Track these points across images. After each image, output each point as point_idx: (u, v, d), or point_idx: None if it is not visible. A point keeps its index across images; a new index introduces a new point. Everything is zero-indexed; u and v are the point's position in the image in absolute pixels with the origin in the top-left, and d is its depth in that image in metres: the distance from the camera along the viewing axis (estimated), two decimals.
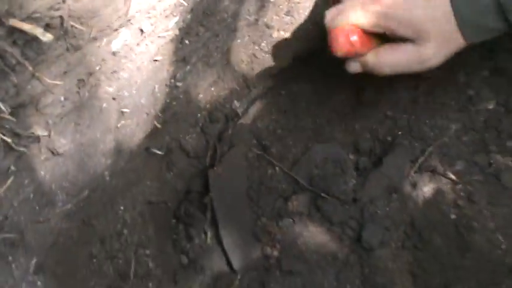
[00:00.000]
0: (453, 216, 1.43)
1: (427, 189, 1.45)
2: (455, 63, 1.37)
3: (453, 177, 1.44)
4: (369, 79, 1.47)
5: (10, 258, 1.06)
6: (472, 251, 1.41)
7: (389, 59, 1.24)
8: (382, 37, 1.26)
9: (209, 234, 1.45)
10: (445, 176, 1.45)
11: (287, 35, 1.37)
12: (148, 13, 1.04)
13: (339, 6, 1.26)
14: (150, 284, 1.38)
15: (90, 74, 1.03)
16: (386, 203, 1.45)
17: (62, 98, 1.01)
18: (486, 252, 1.41)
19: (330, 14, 1.26)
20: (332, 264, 1.44)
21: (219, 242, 1.44)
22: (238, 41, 1.30)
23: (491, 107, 1.43)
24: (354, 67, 1.28)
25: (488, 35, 1.20)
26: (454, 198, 1.44)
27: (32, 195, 1.07)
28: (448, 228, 1.43)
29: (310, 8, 1.37)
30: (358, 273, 1.44)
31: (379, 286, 1.42)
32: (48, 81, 0.95)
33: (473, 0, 1.14)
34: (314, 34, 1.40)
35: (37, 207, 1.09)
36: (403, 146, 1.46)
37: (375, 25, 1.23)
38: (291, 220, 1.45)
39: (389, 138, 1.49)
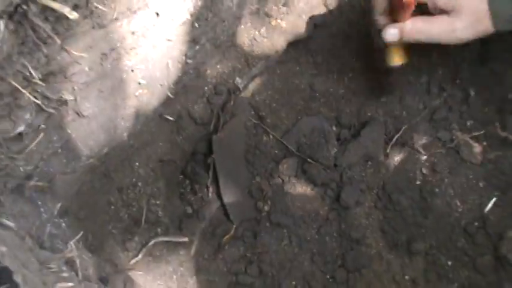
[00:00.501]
0: (418, 183, 1.44)
1: (397, 159, 1.46)
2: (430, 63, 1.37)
3: (420, 149, 1.43)
4: (355, 67, 1.47)
5: (39, 202, 1.06)
6: (433, 213, 1.41)
7: (425, 27, 1.18)
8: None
9: (211, 189, 1.44)
10: (413, 148, 1.44)
11: (283, 23, 1.35)
12: None
13: None
14: (159, 230, 1.39)
15: (112, 49, 1.03)
16: (362, 169, 1.45)
17: (87, 69, 1.01)
18: (445, 214, 1.41)
19: None
20: (314, 219, 1.44)
21: (219, 197, 1.44)
22: (242, 26, 1.29)
23: (456, 93, 1.42)
24: (392, 34, 1.21)
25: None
26: (420, 168, 1.44)
27: (59, 150, 1.07)
28: (414, 192, 1.43)
29: (304, 1, 1.35)
30: (336, 228, 1.44)
31: (354, 240, 1.42)
32: (75, 53, 0.95)
33: None
34: (305, 23, 1.38)
35: (64, 160, 1.10)
36: (379, 121, 1.46)
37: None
38: (281, 180, 1.45)
39: (368, 114, 1.47)
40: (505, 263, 1.35)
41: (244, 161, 1.45)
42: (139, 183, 1.36)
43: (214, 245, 1.43)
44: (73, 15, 0.84)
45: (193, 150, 1.45)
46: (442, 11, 1.15)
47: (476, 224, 1.39)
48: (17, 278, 0.62)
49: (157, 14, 1.03)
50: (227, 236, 1.43)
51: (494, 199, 1.39)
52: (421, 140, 1.44)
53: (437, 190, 1.41)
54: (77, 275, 0.95)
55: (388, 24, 1.22)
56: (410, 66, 1.40)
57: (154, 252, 1.35)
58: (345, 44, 1.47)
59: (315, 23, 1.43)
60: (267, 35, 1.41)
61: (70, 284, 0.74)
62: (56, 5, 0.83)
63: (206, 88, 1.39)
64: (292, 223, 1.44)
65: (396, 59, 1.28)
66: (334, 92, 1.47)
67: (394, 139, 1.44)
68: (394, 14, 1.21)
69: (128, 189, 1.35)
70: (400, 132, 1.44)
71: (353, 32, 1.46)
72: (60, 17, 0.86)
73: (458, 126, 1.43)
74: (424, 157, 1.43)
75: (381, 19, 1.24)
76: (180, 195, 1.44)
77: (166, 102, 1.29)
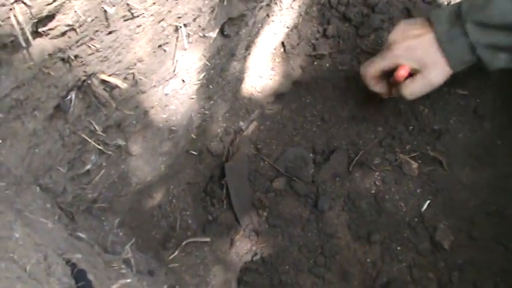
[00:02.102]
0: (373, 191, 1.43)
1: (357, 175, 1.45)
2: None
3: (373, 167, 1.43)
4: (322, 112, 1.47)
5: (103, 218, 1.06)
6: (385, 213, 1.41)
7: (409, 88, 1.13)
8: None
9: (225, 202, 1.44)
10: (368, 167, 1.44)
11: (271, 82, 1.36)
12: (187, 70, 1.04)
13: (371, 59, 1.19)
14: (189, 233, 1.38)
15: (152, 107, 1.03)
16: (333, 183, 1.45)
17: (135, 122, 1.01)
18: (393, 213, 1.41)
19: (365, 65, 1.20)
20: (299, 221, 1.44)
21: (231, 207, 1.43)
22: (242, 85, 1.29)
23: (398, 127, 1.42)
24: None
25: (464, 66, 1.09)
26: (374, 181, 1.44)
27: (116, 179, 1.07)
28: (370, 199, 1.43)
29: (286, 66, 1.35)
30: (315, 226, 1.43)
31: (328, 234, 1.42)
32: (126, 112, 0.95)
33: (453, 41, 1.06)
34: (289, 81, 1.38)
35: (119, 187, 1.10)
36: (343, 149, 1.45)
37: (393, 64, 1.14)
38: (274, 194, 1.45)
39: (335, 144, 1.47)
40: (439, 247, 1.35)
41: (248, 181, 1.44)
42: (174, 200, 1.35)
43: (228, 242, 1.42)
44: (124, 85, 0.84)
45: (211, 175, 1.45)
46: (413, 74, 1.12)
47: (416, 219, 1.39)
48: (90, 277, 0.62)
49: (183, 81, 1.04)
50: (237, 235, 1.42)
51: (428, 201, 1.39)
52: (373, 161, 1.44)
53: (387, 196, 1.41)
54: (132, 270, 0.94)
55: (386, 94, 1.23)
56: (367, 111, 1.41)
57: (186, 250, 1.34)
58: (313, 94, 1.47)
59: (293, 81, 1.43)
60: (261, 91, 1.41)
61: (128, 280, 0.73)
62: (111, 79, 0.83)
63: (219, 130, 1.39)
64: (284, 224, 1.43)
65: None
66: (310, 130, 1.46)
67: (354, 161, 1.43)
68: (386, 82, 1.21)
69: (166, 205, 1.34)
70: (358, 155, 1.43)
71: (322, 87, 1.45)
72: (114, 87, 0.87)
73: (400, 150, 1.42)
74: (377, 173, 1.43)
75: (372, 83, 1.21)
76: (203, 207, 1.43)
77: (191, 142, 1.29)
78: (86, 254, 0.77)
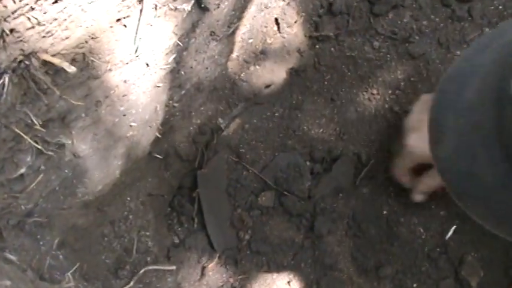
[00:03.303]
0: (385, 212, 1.46)
1: (365, 190, 1.47)
2: None
3: (386, 182, 1.46)
4: (325, 111, 1.50)
5: (39, 236, 1.07)
6: (398, 240, 1.44)
7: (429, 181, 1.30)
8: None
9: (196, 220, 1.47)
10: (380, 180, 1.46)
11: (260, 68, 1.38)
12: (153, 50, 1.06)
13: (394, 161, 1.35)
14: (148, 259, 1.39)
15: (106, 96, 1.04)
16: (334, 200, 1.47)
17: (83, 115, 1.02)
18: (410, 241, 1.43)
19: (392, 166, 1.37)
20: (290, 247, 1.46)
21: (204, 227, 1.46)
22: (223, 72, 1.31)
23: None
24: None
25: None
26: (386, 198, 1.46)
27: (57, 188, 1.08)
28: (381, 221, 1.45)
29: (280, 49, 1.38)
30: (310, 255, 1.46)
31: (327, 265, 1.44)
32: (72, 102, 0.96)
33: None
34: (282, 69, 1.40)
35: (61, 197, 1.11)
36: (348, 156, 1.48)
37: (412, 161, 1.29)
38: (260, 212, 1.47)
39: (339, 151, 1.50)
40: (465, 285, 1.38)
41: (226, 195, 1.46)
42: (130, 216, 1.37)
43: (199, 272, 1.44)
44: (72, 69, 0.86)
45: (179, 185, 1.47)
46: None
47: (438, 249, 1.42)
48: None
49: (147, 65, 1.05)
50: (211, 264, 1.44)
51: (454, 227, 1.41)
52: (386, 174, 1.46)
53: (402, 219, 1.44)
54: None
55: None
56: None
57: (144, 280, 1.35)
58: (318, 86, 1.50)
59: (288, 69, 1.46)
60: (247, 80, 1.44)
61: None
62: (55, 60, 0.85)
63: (191, 128, 1.41)
64: (271, 251, 1.45)
65: None
66: (307, 131, 1.48)
67: (363, 172, 1.47)
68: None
69: (120, 221, 1.35)
70: (368, 166, 1.47)
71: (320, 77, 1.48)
72: (60, 70, 0.88)
73: None
74: (390, 188, 1.45)
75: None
76: (168, 226, 1.45)
77: (155, 142, 1.31)
78: (16, 280, 0.79)
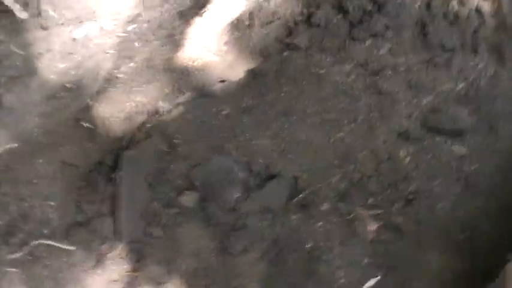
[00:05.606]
0: (308, 246, 1.51)
1: (294, 217, 1.52)
2: None
3: (318, 215, 1.51)
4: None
5: None
6: (315, 278, 1.49)
7: None
8: None
9: (107, 202, 1.48)
10: (312, 212, 1.51)
11: (219, 61, 1.41)
12: (113, 15, 1.07)
13: None
14: (46, 231, 1.41)
15: (49, 50, 1.06)
16: (259, 219, 1.51)
17: (19, 64, 1.03)
18: (326, 282, 1.48)
19: None
20: (199, 258, 1.49)
21: (113, 213, 1.48)
22: (179, 54, 1.34)
23: (365, 170, 1.50)
24: None
25: None
26: (314, 232, 1.51)
27: None
28: (302, 254, 1.50)
29: (245, 46, 1.41)
30: (219, 273, 1.48)
31: (231, 286, 1.47)
32: (12, 47, 0.97)
33: None
34: (242, 67, 1.43)
35: None
36: (285, 178, 1.53)
37: None
38: (178, 211, 1.50)
39: (278, 168, 1.54)
40: None
41: (147, 184, 1.48)
42: (37, 181, 1.37)
43: (97, 258, 1.46)
44: (23, 15, 0.87)
45: (100, 160, 1.50)
46: None
47: None
48: None
49: (102, 28, 1.07)
50: (111, 253, 1.47)
51: (376, 278, 1.48)
52: (321, 205, 1.52)
53: (324, 257, 1.48)
54: None
55: None
56: None
57: (36, 253, 1.37)
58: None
59: (248, 69, 1.49)
60: (202, 68, 1.47)
61: None
62: (8, 1, 0.86)
63: (128, 104, 1.44)
64: (179, 257, 1.47)
65: None
66: (251, 139, 1.54)
67: (297, 198, 1.52)
68: None
69: (23, 184, 1.36)
70: (304, 193, 1.52)
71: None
72: (9, 12, 0.89)
73: (359, 201, 1.52)
74: (320, 222, 1.51)
75: None
76: (76, 202, 1.47)
77: (85, 110, 1.34)
78: None
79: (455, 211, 1.50)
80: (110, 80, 1.26)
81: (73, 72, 1.13)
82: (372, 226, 1.50)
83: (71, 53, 1.08)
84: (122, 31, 1.12)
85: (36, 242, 1.36)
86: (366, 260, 1.50)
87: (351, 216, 1.51)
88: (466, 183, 1.51)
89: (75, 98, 1.22)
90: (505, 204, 1.48)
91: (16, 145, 1.17)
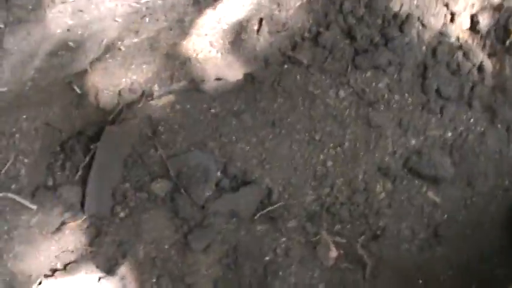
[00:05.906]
0: (267, 258, 1.52)
1: (260, 228, 1.54)
2: None
3: (283, 230, 1.53)
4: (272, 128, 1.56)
5: None
6: None
7: None
8: None
9: (80, 173, 1.50)
10: (279, 227, 1.52)
11: (221, 58, 1.43)
12: None
13: None
14: (13, 186, 1.41)
15: (63, 1, 1.07)
16: (225, 222, 1.53)
17: (30, 7, 1.04)
18: None
19: None
20: (158, 248, 1.50)
21: (84, 184, 1.49)
22: (184, 42, 1.35)
23: (338, 195, 1.52)
24: None
25: None
26: (275, 246, 1.52)
27: None
28: (259, 265, 1.52)
29: (250, 50, 1.43)
30: (176, 266, 1.50)
31: (186, 284, 1.49)
32: None
33: None
34: (241, 69, 1.45)
35: None
36: (259, 187, 1.55)
37: None
38: (147, 196, 1.51)
39: (254, 176, 1.55)
40: None
41: (123, 164, 1.49)
42: (17, 135, 1.38)
43: (57, 225, 1.46)
44: None
45: (81, 129, 1.50)
46: None
47: None
48: None
49: None
50: (73, 223, 1.47)
51: None
52: (288, 223, 1.54)
53: (281, 273, 1.50)
54: None
55: None
56: None
57: None
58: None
59: (246, 72, 1.52)
60: (202, 62, 1.48)
61: None
62: None
63: (123, 80, 1.45)
64: (138, 242, 1.48)
65: None
66: (234, 142, 1.55)
67: (266, 210, 1.53)
68: None
69: (3, 134, 1.36)
70: (274, 206, 1.54)
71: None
72: None
73: (327, 225, 1.55)
74: (284, 238, 1.53)
75: None
76: (49, 165, 1.48)
77: (81, 75, 1.34)
78: None
79: (418, 255, 1.53)
80: (112, 51, 1.26)
81: (79, 32, 1.14)
82: (334, 253, 1.52)
83: (82, 11, 1.09)
84: (135, 1, 1.13)
85: (1, 194, 1.36)
86: (320, 286, 1.51)
87: (315, 238, 1.53)
88: (434, 231, 1.54)
89: (74, 60, 1.23)
90: (471, 257, 1.51)
91: (5, 89, 1.17)
